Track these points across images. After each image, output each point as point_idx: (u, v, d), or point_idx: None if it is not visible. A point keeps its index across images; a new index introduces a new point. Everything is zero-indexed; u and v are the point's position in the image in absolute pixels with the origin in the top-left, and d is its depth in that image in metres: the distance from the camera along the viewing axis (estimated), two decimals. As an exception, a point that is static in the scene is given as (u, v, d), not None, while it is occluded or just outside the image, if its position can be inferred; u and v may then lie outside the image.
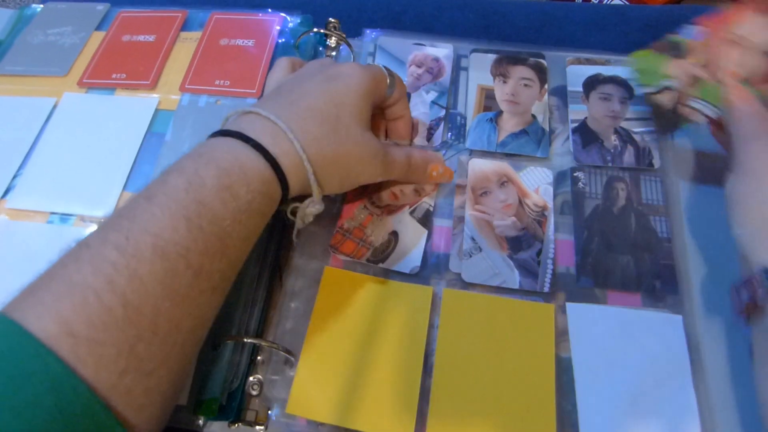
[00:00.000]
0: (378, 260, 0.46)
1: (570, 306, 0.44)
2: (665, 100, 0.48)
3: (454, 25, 0.64)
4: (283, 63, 0.47)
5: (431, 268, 0.47)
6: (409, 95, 0.55)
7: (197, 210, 0.33)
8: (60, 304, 0.29)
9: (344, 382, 0.41)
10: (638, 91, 0.53)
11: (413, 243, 0.47)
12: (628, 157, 0.50)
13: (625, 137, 0.51)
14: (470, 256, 0.46)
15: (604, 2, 1.02)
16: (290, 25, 0.60)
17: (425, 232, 0.48)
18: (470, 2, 0.66)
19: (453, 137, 0.53)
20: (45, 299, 0.29)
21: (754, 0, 0.45)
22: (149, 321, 0.30)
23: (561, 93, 0.55)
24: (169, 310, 0.31)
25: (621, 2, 1.02)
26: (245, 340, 0.43)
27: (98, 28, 0.63)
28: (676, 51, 0.47)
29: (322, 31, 0.58)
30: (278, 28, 0.60)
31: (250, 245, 0.38)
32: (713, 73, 0.45)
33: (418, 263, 0.46)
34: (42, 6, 0.66)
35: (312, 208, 0.41)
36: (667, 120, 0.49)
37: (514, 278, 0.45)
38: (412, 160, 0.46)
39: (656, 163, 0.50)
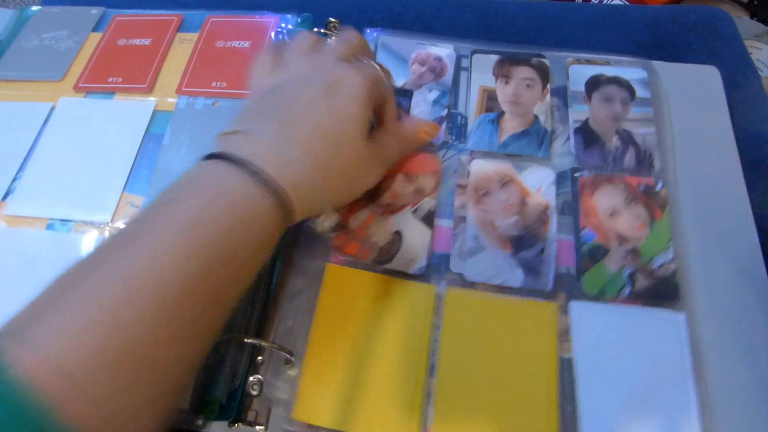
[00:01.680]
0: (384, 261, 0.46)
1: (573, 304, 0.44)
2: None
3: (455, 25, 0.64)
4: (269, 56, 0.44)
5: (432, 268, 0.46)
6: (411, 93, 0.55)
7: (194, 243, 0.32)
8: (50, 342, 0.27)
9: (349, 385, 0.41)
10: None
11: (418, 243, 0.47)
12: (629, 159, 0.50)
13: (627, 139, 0.51)
14: (473, 255, 0.46)
15: (604, 2, 1.02)
16: (289, 26, 0.60)
17: (429, 231, 0.47)
18: (470, 2, 0.66)
19: (454, 138, 0.52)
20: (34, 337, 0.27)
21: None
22: (141, 362, 0.29)
23: (561, 93, 0.55)
24: (162, 351, 0.30)
25: (621, 2, 1.02)
26: (246, 340, 0.42)
27: (93, 31, 0.63)
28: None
29: (322, 30, 0.58)
30: (274, 30, 0.60)
31: (249, 278, 0.36)
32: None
33: (424, 263, 0.46)
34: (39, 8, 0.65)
35: (327, 222, 0.41)
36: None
37: (517, 277, 0.45)
38: (403, 143, 0.47)
39: (656, 164, 0.50)
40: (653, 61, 0.56)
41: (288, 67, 0.43)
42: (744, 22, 1.02)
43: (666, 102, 0.53)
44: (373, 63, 0.44)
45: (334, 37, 0.58)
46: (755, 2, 1.08)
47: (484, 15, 0.65)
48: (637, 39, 0.64)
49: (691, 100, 0.53)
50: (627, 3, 1.01)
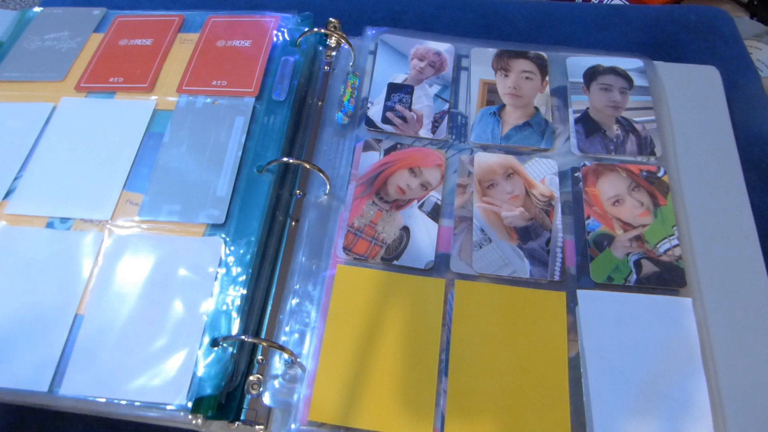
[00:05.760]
0: (392, 258, 0.46)
1: (581, 293, 0.44)
2: None
3: (455, 25, 0.64)
4: None
5: (436, 266, 0.46)
6: (412, 89, 0.55)
7: None
8: None
9: (363, 383, 0.41)
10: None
11: (425, 237, 0.47)
12: (631, 146, 0.50)
13: (627, 127, 0.51)
14: (480, 248, 0.46)
15: (604, 2, 1.03)
16: (289, 26, 0.60)
17: (436, 225, 0.47)
18: (470, 2, 0.66)
19: (454, 137, 0.52)
20: None
21: None
22: None
23: (561, 93, 0.55)
24: None
25: (621, 2, 1.03)
26: (245, 339, 0.42)
27: (95, 32, 0.63)
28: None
29: (322, 30, 0.58)
30: (274, 29, 0.60)
31: None
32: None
33: (432, 257, 0.46)
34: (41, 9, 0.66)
35: None
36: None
37: (524, 267, 0.45)
38: None
39: (658, 151, 0.50)
40: (654, 62, 0.56)
41: None
42: (744, 22, 1.03)
43: (663, 92, 0.54)
44: None
45: (333, 38, 0.59)
46: (755, 2, 1.09)
47: (484, 15, 0.65)
48: (637, 39, 0.64)
49: (690, 100, 0.54)
50: (627, 3, 1.01)
